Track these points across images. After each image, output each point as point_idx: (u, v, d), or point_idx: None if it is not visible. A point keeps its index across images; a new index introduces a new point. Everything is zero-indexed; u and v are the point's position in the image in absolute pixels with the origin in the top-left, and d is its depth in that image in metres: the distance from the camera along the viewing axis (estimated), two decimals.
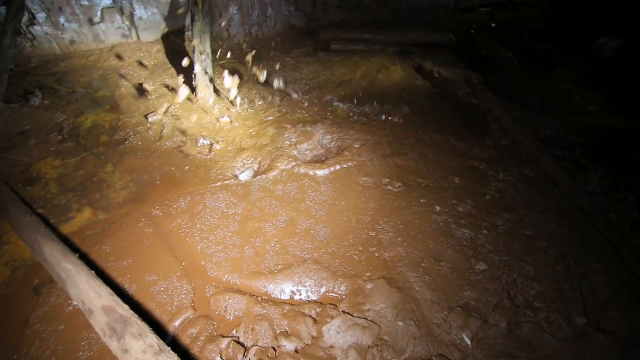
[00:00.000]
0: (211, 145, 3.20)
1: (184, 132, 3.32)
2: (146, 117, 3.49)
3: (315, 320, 1.91)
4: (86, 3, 4.23)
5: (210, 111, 3.63)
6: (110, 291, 1.81)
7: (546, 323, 1.95)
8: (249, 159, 3.06)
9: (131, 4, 4.37)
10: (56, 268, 1.96)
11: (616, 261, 2.31)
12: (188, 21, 4.35)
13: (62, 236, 2.40)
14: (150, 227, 2.46)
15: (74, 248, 2.27)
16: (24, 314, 2.02)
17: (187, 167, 2.97)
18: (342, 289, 2.07)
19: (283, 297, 2.07)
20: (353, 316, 1.90)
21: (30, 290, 2.16)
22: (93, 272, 1.96)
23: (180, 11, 4.39)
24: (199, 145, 3.20)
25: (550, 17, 5.55)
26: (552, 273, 2.20)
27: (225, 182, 2.80)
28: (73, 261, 1.96)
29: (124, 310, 1.69)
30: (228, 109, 3.64)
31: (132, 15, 4.45)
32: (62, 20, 4.23)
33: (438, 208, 2.57)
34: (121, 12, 4.41)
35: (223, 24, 4.75)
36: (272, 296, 2.07)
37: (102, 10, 4.33)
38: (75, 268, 1.91)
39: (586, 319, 1.99)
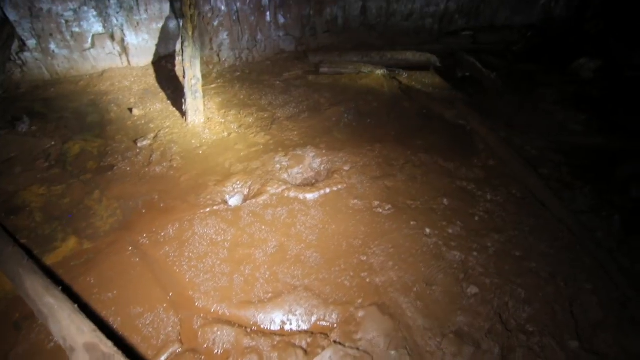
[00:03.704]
0: (200, 169, 3.19)
1: (173, 157, 3.31)
2: (135, 142, 3.48)
3: (305, 352, 1.87)
4: (77, 30, 4.27)
5: (200, 135, 3.63)
6: (93, 326, 1.75)
7: (539, 347, 1.94)
8: (238, 183, 3.05)
9: (122, 30, 4.43)
10: (37, 303, 1.90)
11: (605, 281, 2.32)
12: (178, 46, 4.42)
13: (46, 267, 2.34)
14: (137, 256, 2.41)
15: (57, 280, 2.21)
16: (3, 350, 1.94)
17: (175, 193, 2.94)
18: (333, 317, 2.04)
19: (273, 327, 2.02)
20: (344, 346, 1.87)
21: (11, 325, 2.08)
22: (76, 305, 1.90)
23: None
24: (188, 169, 3.19)
25: (531, 39, 5.76)
26: (543, 295, 2.20)
27: (215, 208, 2.77)
28: (55, 295, 1.90)
29: (107, 347, 1.63)
30: (218, 133, 3.65)
31: (122, 41, 4.50)
32: (52, 46, 4.26)
33: (428, 230, 2.58)
34: (112, 38, 4.46)
35: (213, 49, 4.83)
36: (262, 326, 2.03)
37: (93, 36, 4.37)
38: (57, 302, 1.85)
39: (579, 342, 1.98)
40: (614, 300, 2.22)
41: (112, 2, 4.24)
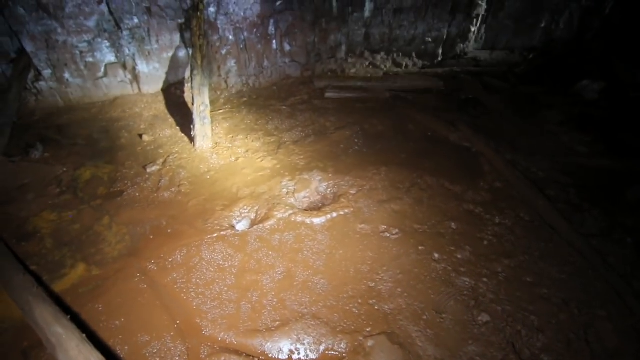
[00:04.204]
0: (208, 194, 3.22)
1: (181, 182, 3.36)
2: (145, 167, 3.54)
3: None
4: (91, 60, 4.44)
5: (208, 160, 3.69)
6: (101, 357, 1.75)
7: None
8: (245, 207, 3.07)
9: (134, 60, 4.59)
10: (46, 332, 1.90)
11: (620, 307, 2.27)
12: (188, 74, 4.57)
13: (54, 294, 2.35)
14: (145, 283, 2.41)
15: (65, 307, 2.21)
16: None
17: (183, 218, 2.97)
18: (342, 346, 2.01)
19: (281, 357, 1.99)
20: None
21: (19, 354, 2.08)
22: (84, 335, 1.90)
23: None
24: (196, 194, 3.23)
25: (532, 61, 5.85)
26: (556, 322, 2.15)
27: (222, 233, 2.78)
28: (64, 324, 1.90)
29: None
30: (225, 158, 3.71)
31: (134, 69, 4.66)
32: (66, 75, 4.42)
33: (436, 255, 2.55)
34: (124, 67, 4.62)
35: (221, 76, 4.97)
36: (269, 356, 2.00)
37: (106, 65, 4.54)
38: (65, 332, 1.85)
39: None
40: (629, 327, 2.16)
41: (124, 33, 4.42)
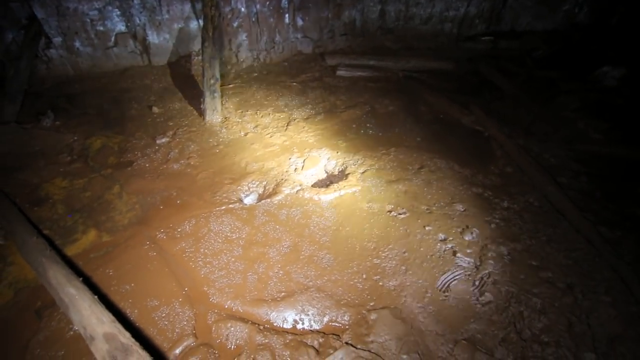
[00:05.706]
0: (217, 167, 3.24)
1: (190, 154, 3.37)
2: (154, 139, 3.55)
3: (317, 351, 1.88)
4: (101, 28, 4.40)
5: (217, 133, 3.69)
6: (112, 317, 1.80)
7: (554, 358, 1.90)
8: (254, 182, 3.09)
9: (144, 30, 4.53)
10: (59, 292, 1.96)
11: (625, 294, 2.26)
12: (199, 46, 4.51)
13: (66, 258, 2.41)
14: (154, 251, 2.46)
15: (77, 270, 2.27)
16: (25, 338, 2.01)
17: (192, 190, 2.99)
18: (345, 318, 2.05)
19: (285, 326, 2.04)
20: (356, 348, 1.87)
21: (32, 313, 2.16)
22: (96, 296, 1.96)
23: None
24: (205, 167, 3.24)
25: (552, 45, 5.65)
26: (559, 305, 2.16)
27: (230, 206, 2.81)
28: (76, 285, 1.96)
29: (125, 338, 1.68)
30: (235, 132, 3.70)
31: (144, 40, 4.61)
32: (77, 44, 4.39)
33: (443, 236, 2.56)
34: (134, 37, 4.57)
35: (232, 49, 4.90)
36: (274, 324, 2.05)
37: (116, 35, 4.49)
38: (78, 292, 1.91)
39: (595, 354, 1.94)
40: (633, 314, 2.16)
41: (135, 2, 4.34)
